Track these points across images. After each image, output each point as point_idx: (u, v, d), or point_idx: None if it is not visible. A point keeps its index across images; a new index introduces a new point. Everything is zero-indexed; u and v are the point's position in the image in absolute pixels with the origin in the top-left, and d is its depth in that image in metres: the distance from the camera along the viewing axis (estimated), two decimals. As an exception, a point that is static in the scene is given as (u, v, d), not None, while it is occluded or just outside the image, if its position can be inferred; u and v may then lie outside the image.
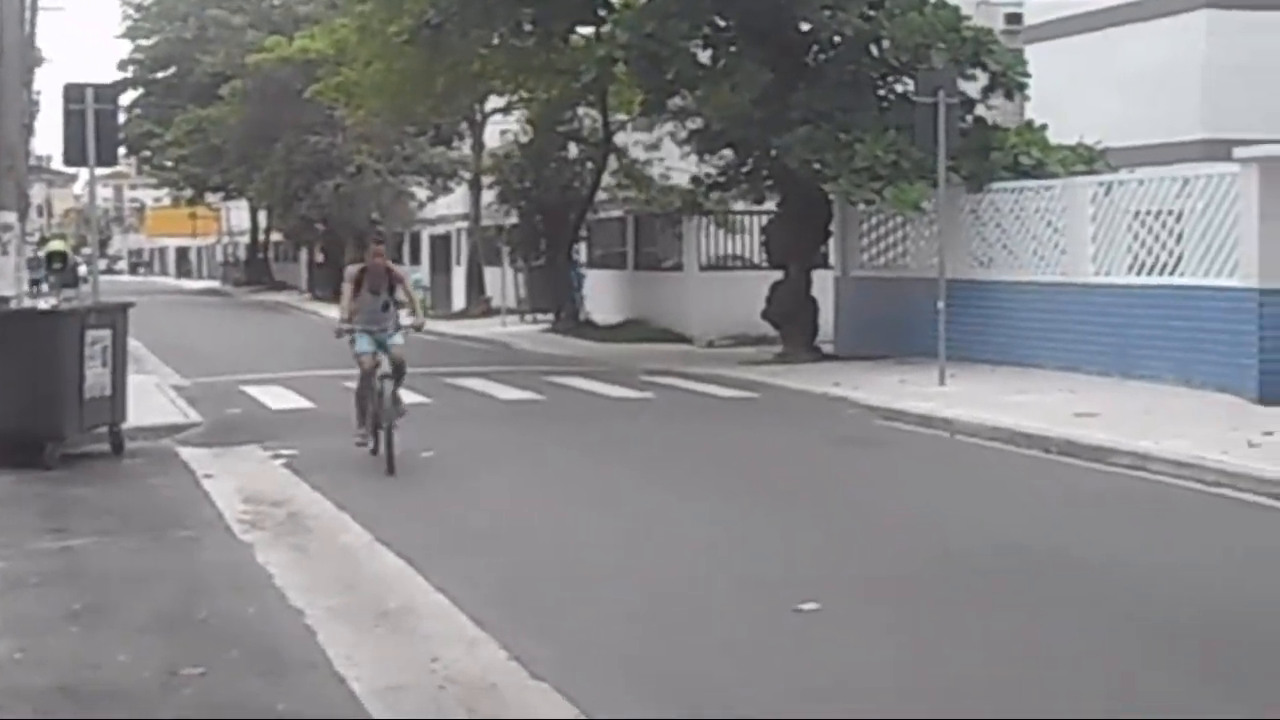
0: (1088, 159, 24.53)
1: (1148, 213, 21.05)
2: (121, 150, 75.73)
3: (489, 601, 9.57)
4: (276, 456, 16.33)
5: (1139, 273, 21.04)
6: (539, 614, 9.40)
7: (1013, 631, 8.97)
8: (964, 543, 11.59)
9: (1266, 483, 13.26)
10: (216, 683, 7.96)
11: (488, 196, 42.68)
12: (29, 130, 22.13)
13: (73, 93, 19.14)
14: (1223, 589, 9.98)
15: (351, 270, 15.82)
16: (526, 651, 8.37)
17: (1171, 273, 20.43)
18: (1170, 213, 20.61)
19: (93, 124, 18.86)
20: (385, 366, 15.13)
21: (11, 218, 18.95)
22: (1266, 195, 18.45)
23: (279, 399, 22.34)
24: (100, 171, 21.54)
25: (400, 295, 15.93)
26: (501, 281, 42.32)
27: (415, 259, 56.31)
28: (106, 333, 16.07)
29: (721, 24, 26.79)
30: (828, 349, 26.91)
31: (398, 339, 15.62)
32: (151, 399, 20.71)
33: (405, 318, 16.24)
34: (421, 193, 55.26)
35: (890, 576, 10.53)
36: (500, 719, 7.41)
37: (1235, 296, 18.86)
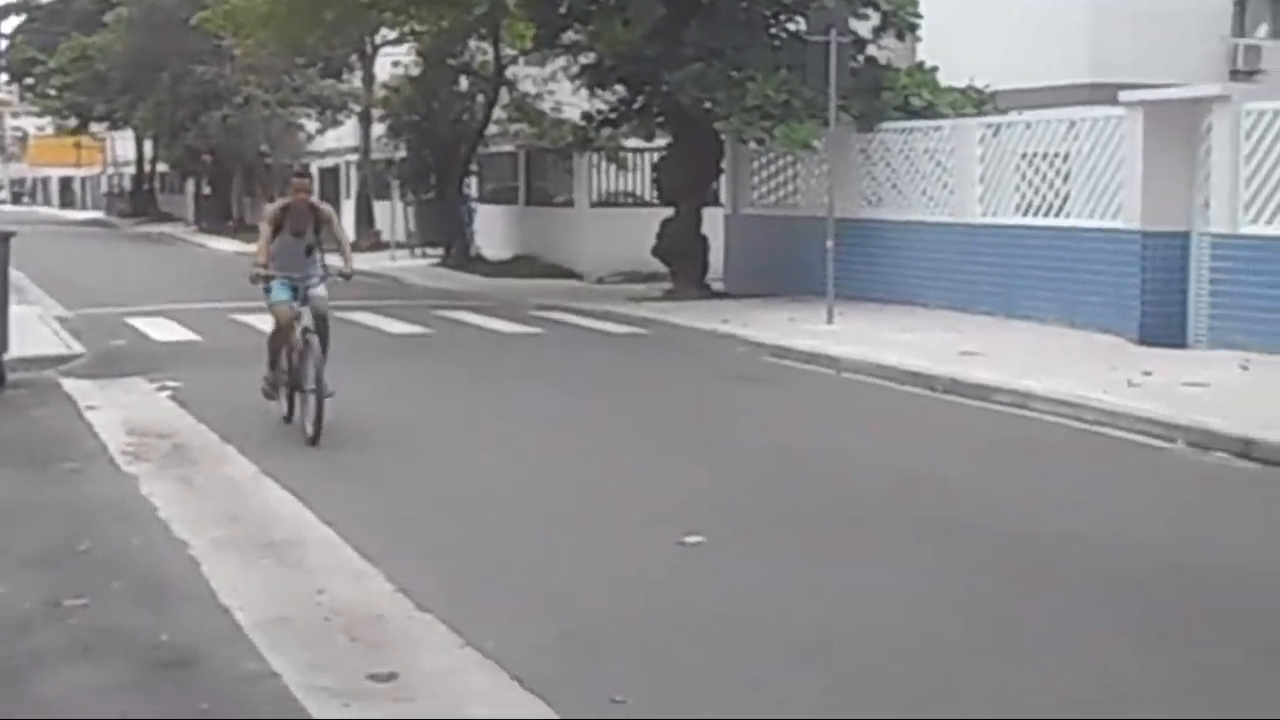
0: (977, 101, 24.77)
1: (1036, 155, 21.28)
2: (3, 77, 74.62)
3: (376, 534, 9.61)
4: (162, 388, 16.14)
5: (1026, 214, 21.27)
6: (426, 547, 9.47)
7: (889, 561, 9.15)
8: (845, 477, 11.80)
9: (1143, 421, 13.53)
10: (99, 613, 7.96)
11: (378, 129, 42.51)
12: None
13: (-48, 17, 18.89)
14: (1097, 523, 10.16)
15: (271, 209, 14.06)
16: (413, 583, 8.43)
17: (1058, 214, 20.69)
18: (1058, 155, 20.84)
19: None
20: (306, 319, 13.24)
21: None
22: (1150, 139, 18.69)
23: (164, 331, 22.12)
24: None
25: (326, 237, 13.96)
26: (391, 215, 42.10)
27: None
28: (-14, 262, 15.85)
29: (615, -43, 26.75)
30: (718, 286, 27.02)
31: (319, 289, 13.63)
32: (34, 330, 20.39)
33: (333, 261, 14.29)
34: (310, 125, 54.65)
35: (773, 510, 10.69)
36: (385, 647, 7.42)
37: (1119, 238, 19.14)
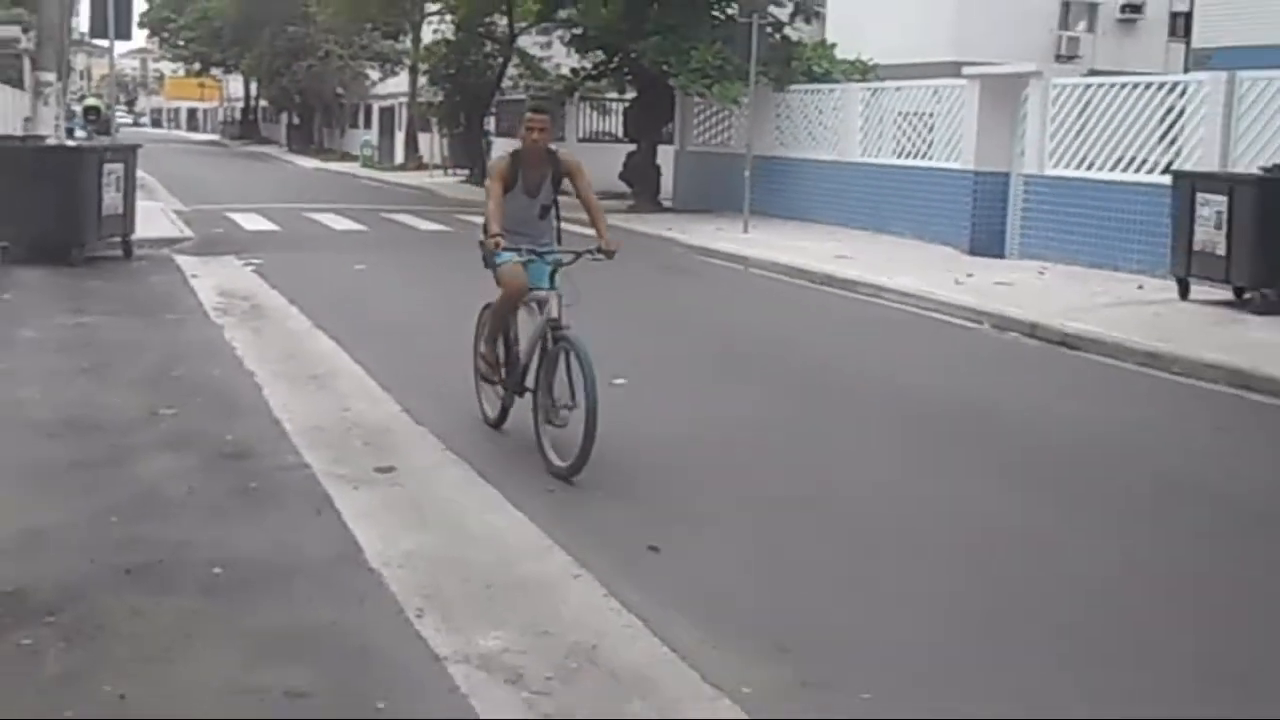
0: (863, 71, 24.76)
1: (910, 113, 21.26)
2: (145, 31, 73.28)
3: (392, 372, 9.73)
4: (247, 264, 16.20)
5: (899, 156, 21.34)
6: (430, 384, 9.49)
7: (758, 395, 9.38)
8: (735, 340, 12.00)
9: (961, 308, 13.76)
10: (184, 420, 8.14)
11: (422, 80, 42.09)
12: (69, 11, 21.75)
13: (97, -16, 18.88)
14: (913, 376, 10.42)
15: (499, 163, 7.83)
16: (415, 407, 8.60)
17: (918, 157, 20.81)
18: (926, 114, 20.87)
19: (112, 7, 18.57)
20: (554, 307, 7.45)
21: (51, 76, 18.58)
22: (983, 103, 18.80)
23: (253, 223, 22.12)
24: (129, 46, 21.25)
25: (575, 195, 7.91)
26: (430, 144, 41.98)
27: (368, 124, 55.51)
28: (120, 165, 15.83)
29: (598, -45, 26.61)
30: (668, 204, 27.01)
31: (558, 282, 7.59)
32: (157, 219, 20.47)
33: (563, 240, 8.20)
34: (374, 74, 54.21)
35: (681, 362, 10.87)
36: (389, 449, 7.60)
37: (958, 176, 19.28)
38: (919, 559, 6.07)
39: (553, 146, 7.80)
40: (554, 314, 7.36)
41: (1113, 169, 16.96)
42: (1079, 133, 17.53)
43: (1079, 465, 7.88)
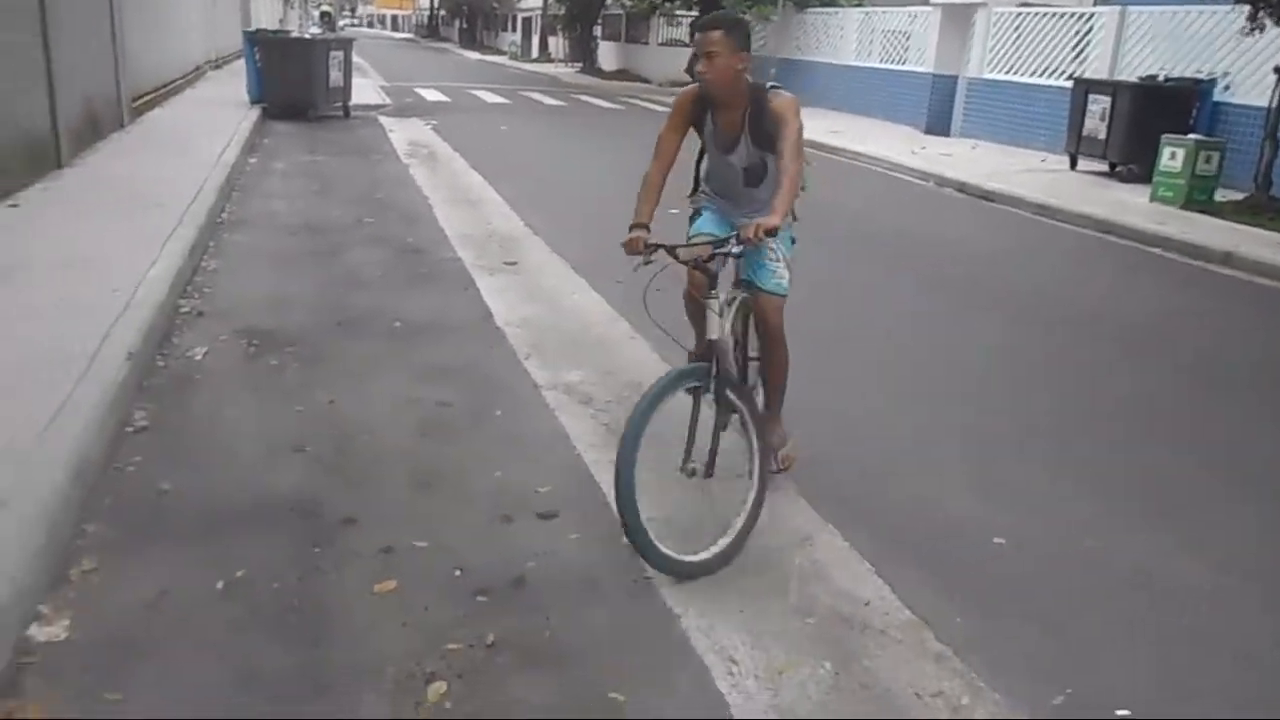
0: (857, 2, 23.61)
1: (893, 30, 20.30)
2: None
3: (520, 198, 9.72)
4: (427, 124, 15.97)
5: (881, 61, 20.47)
6: (540, 205, 9.47)
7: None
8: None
9: (914, 170, 13.35)
10: (381, 226, 8.21)
11: (551, -2, 40.76)
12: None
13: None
14: (880, 213, 10.21)
15: (680, 98, 3.38)
16: (532, 221, 8.61)
17: (894, 62, 19.96)
18: (904, 32, 19.95)
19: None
20: (714, 325, 3.24)
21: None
22: (944, 25, 17.91)
23: (432, 95, 21.60)
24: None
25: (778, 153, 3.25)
26: (556, 44, 40.69)
27: (514, 28, 53.84)
28: (341, 53, 15.50)
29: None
30: (717, 91, 26.24)
31: (769, 270, 3.49)
32: (368, 92, 20.17)
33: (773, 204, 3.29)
34: (519, -7, 52.57)
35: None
36: (514, 250, 7.63)
37: (921, 76, 18.51)
38: (850, 319, 6.07)
39: (762, 82, 3.49)
40: (712, 334, 3.39)
41: (1031, 75, 16.22)
42: (1011, 47, 16.71)
43: (984, 277, 7.77)
